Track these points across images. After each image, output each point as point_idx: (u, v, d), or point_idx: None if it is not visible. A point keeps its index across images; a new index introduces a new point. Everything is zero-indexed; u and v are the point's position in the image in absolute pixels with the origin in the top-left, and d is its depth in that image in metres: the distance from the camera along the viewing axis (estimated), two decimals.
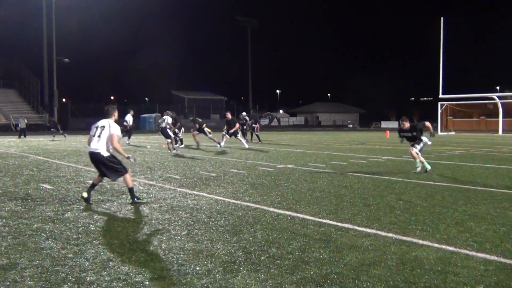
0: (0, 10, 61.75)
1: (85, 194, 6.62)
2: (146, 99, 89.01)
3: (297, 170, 10.85)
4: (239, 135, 19.63)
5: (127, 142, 22.05)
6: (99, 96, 77.47)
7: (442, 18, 41.68)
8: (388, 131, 33.70)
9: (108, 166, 6.55)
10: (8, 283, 3.48)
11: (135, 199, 6.67)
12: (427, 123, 10.48)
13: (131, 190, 6.71)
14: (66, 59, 58.37)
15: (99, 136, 6.59)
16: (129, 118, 22.48)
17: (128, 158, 6.67)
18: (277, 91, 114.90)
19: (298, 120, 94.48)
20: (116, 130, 6.61)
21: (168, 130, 17.57)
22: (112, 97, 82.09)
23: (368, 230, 5.11)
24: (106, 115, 6.87)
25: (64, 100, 67.02)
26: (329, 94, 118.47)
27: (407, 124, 10.31)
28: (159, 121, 18.13)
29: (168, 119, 17.98)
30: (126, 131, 21.18)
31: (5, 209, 6.24)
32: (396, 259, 4.09)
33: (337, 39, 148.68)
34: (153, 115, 63.32)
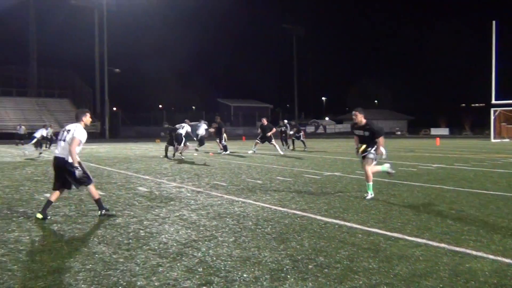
0: (55, 25, 64.44)
1: (39, 215, 6.04)
2: (193, 107, 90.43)
3: (344, 178, 10.72)
4: (273, 141, 19.66)
5: (197, 150, 22.14)
6: (148, 104, 79.33)
7: (494, 22, 40.34)
8: (438, 138, 32.78)
9: (72, 174, 6.05)
10: (63, 286, 3.60)
11: (103, 210, 6.28)
12: (381, 138, 7.71)
13: (98, 202, 6.32)
14: (117, 70, 60.13)
15: (64, 140, 6.15)
16: (202, 129, 22.03)
17: (75, 168, 6.00)
18: (323, 98, 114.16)
19: (344, 127, 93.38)
20: (80, 134, 6.12)
21: (183, 138, 17.86)
22: (160, 106, 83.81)
23: (419, 240, 4.97)
24: (75, 119, 6.41)
25: (115, 109, 69.08)
26: (376, 101, 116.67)
27: (360, 117, 7.82)
28: (177, 126, 18.50)
29: (203, 126, 18.53)
30: (199, 140, 21.47)
31: (60, 214, 6.47)
32: (448, 270, 3.96)
33: (384, 45, 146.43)
34: (199, 123, 64.10)
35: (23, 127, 38.28)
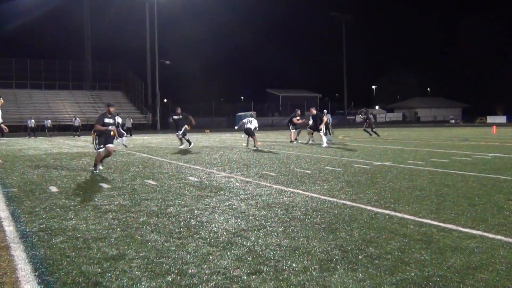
0: (108, 19, 66.19)
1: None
2: (242, 97, 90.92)
3: (395, 168, 10.50)
4: (322, 132, 19.32)
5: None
6: (198, 96, 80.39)
7: None
8: (494, 127, 31.52)
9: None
10: (118, 273, 3.73)
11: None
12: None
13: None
14: (167, 61, 61.20)
15: None
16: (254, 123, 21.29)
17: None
18: (373, 86, 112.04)
19: (395, 116, 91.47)
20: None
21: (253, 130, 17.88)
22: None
23: (474, 231, 4.81)
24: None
25: (165, 100, 70.44)
26: (428, 88, 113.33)
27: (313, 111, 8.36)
28: (245, 121, 18.42)
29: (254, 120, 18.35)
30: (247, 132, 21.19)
31: (114, 203, 6.69)
32: (506, 263, 3.82)
33: (436, 30, 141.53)
34: (249, 113, 64.40)
35: (78, 119, 39.70)
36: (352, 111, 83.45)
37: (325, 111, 26.28)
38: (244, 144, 19.85)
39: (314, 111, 20.27)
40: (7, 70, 65.65)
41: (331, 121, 26.31)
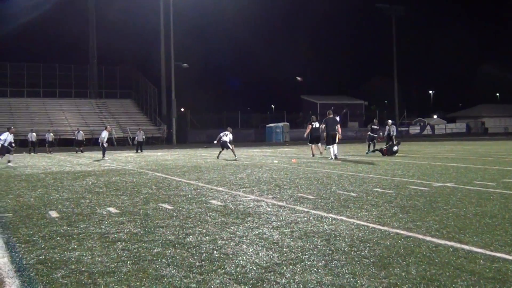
0: (117, 17, 67.58)
1: None
2: (272, 106, 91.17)
3: (459, 190, 10.32)
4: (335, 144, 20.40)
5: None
6: (220, 105, 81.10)
7: None
8: None
9: None
10: None
11: None
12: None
13: None
14: (185, 64, 61.89)
15: None
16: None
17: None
18: (430, 92, 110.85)
19: (458, 127, 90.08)
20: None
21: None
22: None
23: None
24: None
25: (182, 110, 71.18)
26: (497, 94, 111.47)
27: None
28: (221, 134, 21.71)
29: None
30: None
31: (124, 231, 6.75)
32: None
33: (506, 25, 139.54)
34: (281, 124, 64.50)
35: (81, 132, 40.37)
36: (405, 121, 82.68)
37: (389, 121, 26.48)
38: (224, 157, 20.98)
39: (331, 114, 20.62)
40: (1, 76, 67.57)
41: (395, 133, 26.30)
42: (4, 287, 4.40)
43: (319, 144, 23.91)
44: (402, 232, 6.37)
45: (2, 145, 20.77)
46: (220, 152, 25.52)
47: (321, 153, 23.39)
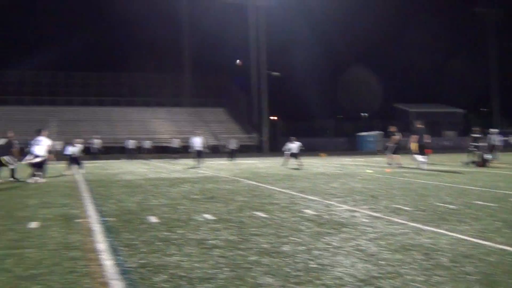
0: (207, 28, 69.25)
1: None
2: (363, 114, 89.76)
3: None
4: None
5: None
6: (311, 112, 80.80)
7: None
8: None
9: None
10: None
11: None
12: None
13: None
14: (277, 73, 62.33)
15: None
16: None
17: None
18: None
19: None
20: None
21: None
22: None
23: None
24: None
25: (274, 118, 71.65)
26: None
27: None
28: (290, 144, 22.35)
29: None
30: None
31: (221, 237, 6.87)
32: None
33: None
34: (374, 133, 63.47)
35: (176, 139, 41.69)
36: (508, 130, 78.67)
37: (492, 130, 25.63)
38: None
39: (419, 125, 20.66)
40: (101, 86, 71.29)
41: (500, 143, 25.40)
42: None
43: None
44: (507, 248, 6.04)
45: (71, 156, 21.70)
46: (288, 161, 26.06)
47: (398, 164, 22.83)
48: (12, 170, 17.43)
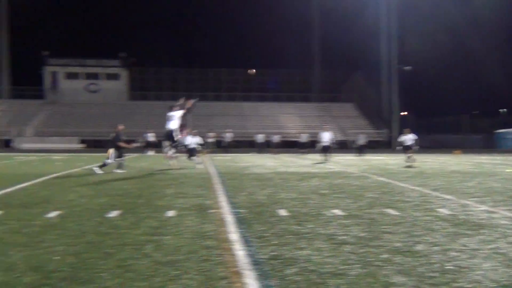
0: (337, 23, 68.62)
1: None
2: (501, 110, 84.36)
3: None
4: None
5: None
6: (444, 107, 77.42)
7: None
8: None
9: None
10: None
11: None
12: None
13: None
14: (408, 67, 60.50)
15: None
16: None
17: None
18: None
19: None
20: None
21: None
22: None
23: None
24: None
25: (404, 113, 69.61)
26: None
27: None
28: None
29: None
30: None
31: (351, 233, 6.79)
32: None
33: None
34: None
35: (305, 135, 41.91)
36: None
37: None
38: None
39: None
40: (233, 82, 73.56)
41: None
42: (243, 278, 4.71)
43: None
44: None
45: (187, 147, 21.85)
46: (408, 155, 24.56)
47: None
48: (104, 163, 18.00)
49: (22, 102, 67.41)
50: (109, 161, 17.89)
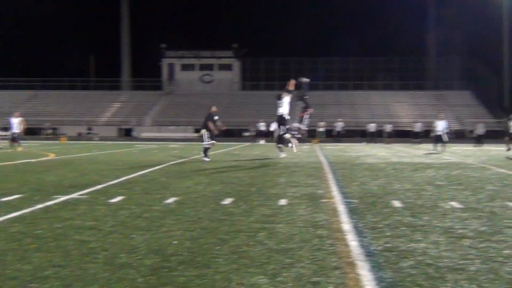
0: (453, 7, 65.51)
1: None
2: None
3: None
4: None
5: None
6: None
7: None
8: None
9: None
10: None
11: None
12: None
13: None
14: None
15: None
16: None
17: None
18: None
19: None
20: None
21: None
22: None
23: None
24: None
25: None
26: None
27: None
28: None
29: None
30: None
31: (470, 227, 6.48)
32: None
33: None
34: None
35: (419, 124, 40.61)
36: None
37: None
38: None
39: None
40: (344, 70, 72.70)
41: None
42: (356, 269, 4.65)
43: None
44: None
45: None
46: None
47: None
48: (205, 149, 18.33)
49: (141, 93, 70.94)
50: (206, 144, 18.33)
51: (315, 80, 69.49)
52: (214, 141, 18.43)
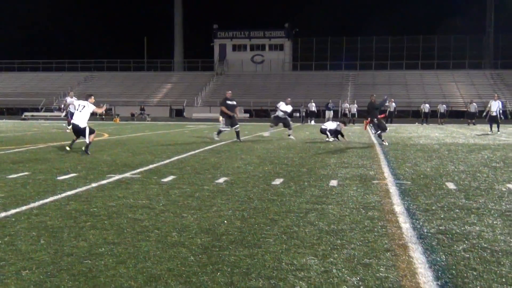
0: None
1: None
2: None
3: None
4: None
5: None
6: None
7: None
8: None
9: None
10: None
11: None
12: None
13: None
14: None
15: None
16: None
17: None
18: None
19: None
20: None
21: None
22: None
23: None
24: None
25: None
26: None
27: None
28: None
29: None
30: None
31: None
32: None
33: None
34: None
35: (474, 104, 39.48)
36: None
37: None
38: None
39: None
40: (398, 50, 71.24)
41: None
42: (409, 251, 4.57)
43: None
44: None
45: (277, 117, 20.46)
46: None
47: None
48: (219, 130, 18.33)
49: (193, 74, 71.57)
50: (222, 128, 18.31)
51: (367, 59, 68.64)
52: (229, 128, 18.18)
